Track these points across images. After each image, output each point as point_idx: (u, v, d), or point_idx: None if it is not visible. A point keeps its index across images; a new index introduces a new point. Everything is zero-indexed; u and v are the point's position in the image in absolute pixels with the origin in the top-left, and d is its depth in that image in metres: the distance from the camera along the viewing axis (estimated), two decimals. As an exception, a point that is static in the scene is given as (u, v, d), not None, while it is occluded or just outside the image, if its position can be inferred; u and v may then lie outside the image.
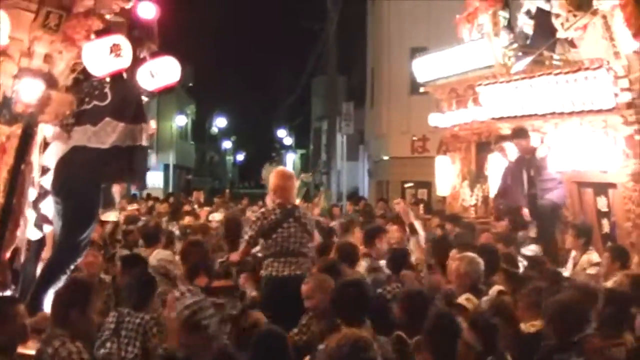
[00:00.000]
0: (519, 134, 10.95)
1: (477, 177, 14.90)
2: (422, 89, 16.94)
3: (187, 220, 14.11)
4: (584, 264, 9.45)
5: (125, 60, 6.22)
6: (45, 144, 6.93)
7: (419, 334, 5.71)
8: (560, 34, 11.11)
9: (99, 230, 9.73)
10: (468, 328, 5.28)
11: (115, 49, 6.11)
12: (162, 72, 6.97)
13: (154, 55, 6.90)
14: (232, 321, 6.65)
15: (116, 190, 8.75)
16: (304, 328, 6.82)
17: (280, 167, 8.90)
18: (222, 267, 8.29)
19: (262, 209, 8.82)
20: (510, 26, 13.75)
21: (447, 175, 15.85)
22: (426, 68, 16.08)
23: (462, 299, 6.60)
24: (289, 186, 8.42)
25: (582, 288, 6.68)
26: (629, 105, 9.78)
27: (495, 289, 7.24)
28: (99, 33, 6.20)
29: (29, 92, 6.02)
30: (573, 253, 9.77)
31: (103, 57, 6.13)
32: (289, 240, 8.03)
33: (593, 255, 9.49)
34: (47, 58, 6.22)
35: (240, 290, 7.56)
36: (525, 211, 11.08)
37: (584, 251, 9.57)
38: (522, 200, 11.08)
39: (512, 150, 11.62)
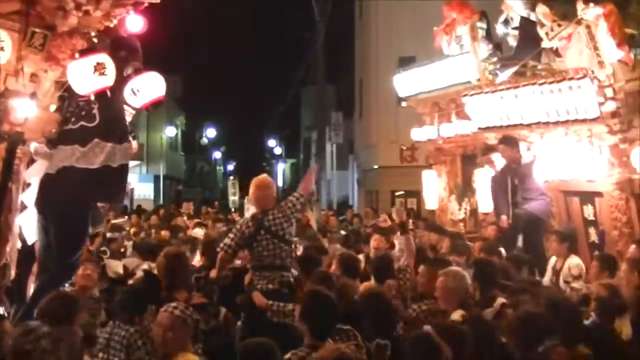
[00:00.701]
0: (506, 141, 10.97)
1: (464, 190, 14.88)
2: (404, 104, 16.92)
3: (164, 234, 13.87)
4: (570, 269, 9.50)
5: (109, 78, 6.23)
6: (32, 161, 6.94)
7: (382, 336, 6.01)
8: (545, 44, 11.19)
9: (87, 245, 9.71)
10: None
11: (99, 67, 6.11)
12: (147, 88, 6.96)
13: (137, 72, 6.89)
14: (204, 336, 6.66)
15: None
16: None
17: (262, 176, 8.72)
18: (200, 282, 8.33)
19: (241, 221, 8.72)
20: (490, 37, 13.73)
21: (435, 189, 15.83)
22: (408, 83, 16.06)
23: (456, 315, 6.45)
24: (266, 195, 8.28)
25: (549, 299, 6.62)
26: (614, 115, 9.87)
27: (499, 301, 7.10)
28: (83, 52, 6.21)
29: (15, 111, 6.05)
30: (552, 260, 9.82)
31: (87, 75, 6.14)
32: (263, 254, 7.88)
33: (576, 259, 9.57)
34: (33, 77, 6.25)
35: (215, 307, 7.59)
36: (503, 218, 11.08)
37: (567, 256, 9.62)
38: (507, 209, 11.07)
39: (500, 161, 11.64)
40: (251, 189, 8.34)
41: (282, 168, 71.89)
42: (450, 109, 14.57)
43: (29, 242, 7.02)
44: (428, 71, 15.19)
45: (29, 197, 6.89)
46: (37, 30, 6.07)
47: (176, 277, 7.14)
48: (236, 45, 68.19)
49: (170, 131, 49.18)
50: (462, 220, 14.70)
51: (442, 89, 14.58)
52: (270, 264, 7.90)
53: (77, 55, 6.24)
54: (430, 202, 16.01)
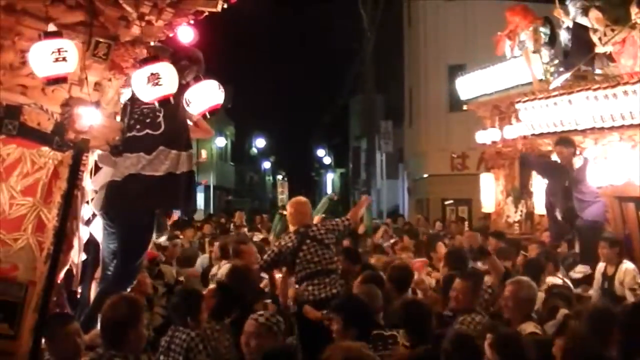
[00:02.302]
0: (563, 142, 10.91)
1: (521, 193, 14.85)
2: (465, 107, 17.05)
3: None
4: (621, 275, 9.40)
5: (164, 88, 6.26)
6: (97, 168, 7.07)
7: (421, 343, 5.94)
8: (599, 49, 11.13)
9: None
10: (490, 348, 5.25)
11: (152, 78, 6.16)
12: (205, 96, 7.04)
13: (196, 80, 6.97)
14: None
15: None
16: None
17: (299, 197, 9.08)
18: None
19: (282, 240, 8.88)
20: (552, 42, 13.72)
21: (492, 192, 15.86)
22: (469, 86, 16.23)
23: (529, 328, 6.30)
24: (302, 211, 8.59)
25: None
26: (670, 119, 9.77)
27: (562, 312, 6.99)
28: (142, 62, 6.29)
29: (80, 119, 6.19)
30: (600, 266, 9.69)
31: (143, 86, 6.21)
32: (314, 260, 8.07)
33: (628, 264, 9.46)
34: (97, 86, 6.39)
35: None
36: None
37: (619, 262, 9.52)
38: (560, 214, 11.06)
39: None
40: (289, 208, 8.60)
41: (331, 178, 71.86)
42: (511, 112, 14.56)
43: (100, 249, 7.16)
44: (490, 74, 15.32)
45: (96, 204, 7.03)
46: (101, 40, 6.21)
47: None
48: (285, 55, 68.54)
49: (220, 141, 49.61)
50: (517, 222, 14.68)
51: (504, 91, 14.66)
52: (325, 268, 8.08)
53: (137, 65, 6.34)
54: (487, 205, 16.04)
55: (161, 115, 6.87)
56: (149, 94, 6.30)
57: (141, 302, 6.13)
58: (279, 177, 21.89)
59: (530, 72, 12.89)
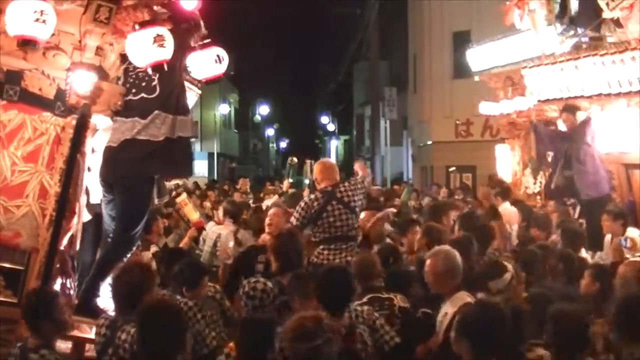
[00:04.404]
0: (569, 109, 10.83)
1: (539, 164, 14.71)
2: (476, 78, 16.93)
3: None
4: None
5: (167, 51, 6.24)
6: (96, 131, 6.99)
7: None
8: (606, 14, 10.99)
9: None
10: None
11: (158, 39, 6.10)
12: (208, 63, 6.95)
13: (204, 46, 6.88)
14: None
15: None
16: None
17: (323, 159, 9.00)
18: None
19: (310, 196, 8.70)
20: (563, 12, 13.48)
21: (508, 163, 15.82)
22: (480, 57, 16.12)
23: (465, 298, 5.95)
24: (330, 167, 8.46)
25: None
26: (678, 85, 9.69)
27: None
28: (143, 24, 6.23)
29: (82, 84, 6.13)
30: (608, 237, 9.55)
31: (146, 47, 6.14)
32: (335, 224, 7.89)
33: (632, 232, 9.40)
34: (99, 51, 6.32)
35: None
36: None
37: (623, 233, 9.47)
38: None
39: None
40: (317, 166, 8.47)
41: (335, 145, 71.87)
42: (523, 83, 14.41)
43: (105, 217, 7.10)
44: (502, 46, 15.21)
45: (94, 162, 6.94)
46: (102, 3, 6.13)
47: (289, 257, 6.97)
48: (288, 22, 68.19)
49: (224, 109, 49.50)
50: (537, 193, 14.60)
51: (516, 64, 14.51)
52: (345, 234, 7.93)
53: (136, 27, 6.27)
54: (504, 176, 15.98)
55: (156, 78, 6.73)
56: (151, 56, 6.21)
57: (152, 268, 6.09)
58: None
59: (540, 43, 12.66)
